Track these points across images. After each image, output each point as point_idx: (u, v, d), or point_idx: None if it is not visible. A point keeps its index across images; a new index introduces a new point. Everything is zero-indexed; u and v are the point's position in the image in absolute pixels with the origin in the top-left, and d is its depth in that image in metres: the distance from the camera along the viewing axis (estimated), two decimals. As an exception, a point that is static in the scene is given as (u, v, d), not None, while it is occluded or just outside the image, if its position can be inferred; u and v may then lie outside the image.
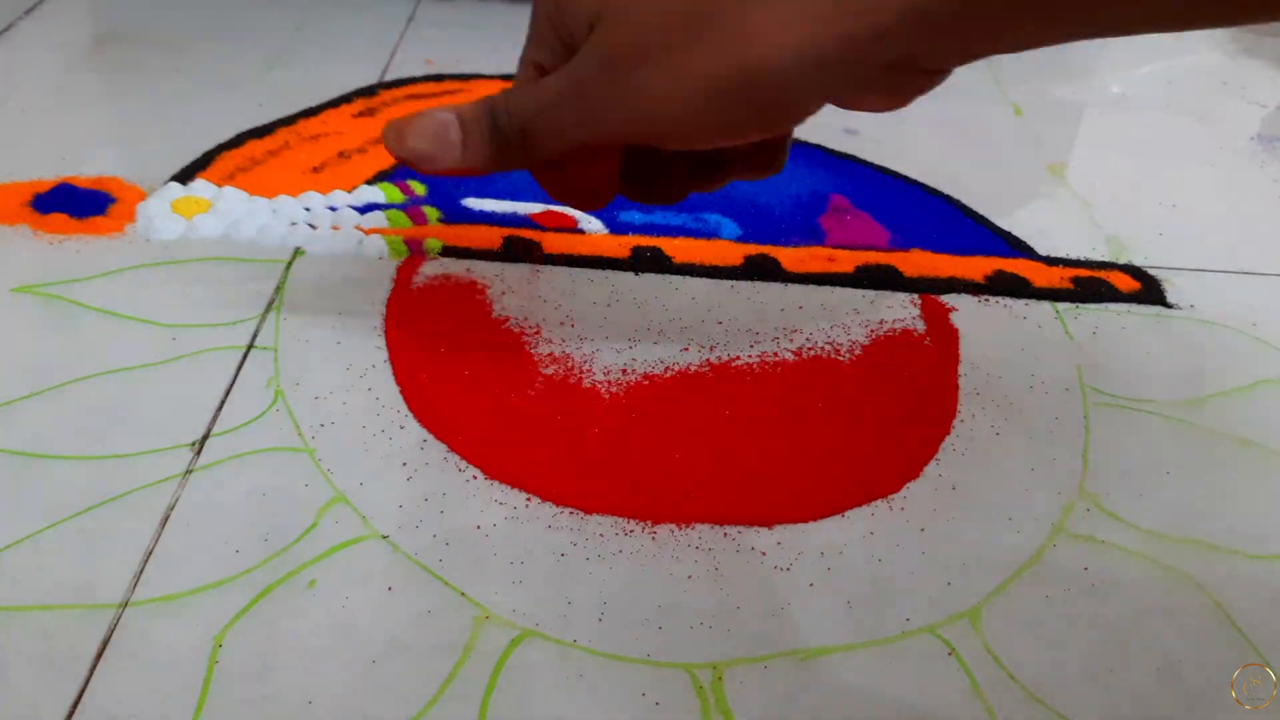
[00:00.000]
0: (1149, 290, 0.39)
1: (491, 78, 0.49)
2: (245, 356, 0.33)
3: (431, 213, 0.40)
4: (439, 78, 0.49)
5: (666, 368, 0.34)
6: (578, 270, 0.38)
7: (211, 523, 0.28)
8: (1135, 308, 0.38)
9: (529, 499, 0.29)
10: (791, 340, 0.35)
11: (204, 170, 0.42)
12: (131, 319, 0.34)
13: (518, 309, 0.36)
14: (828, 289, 0.38)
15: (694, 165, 0.29)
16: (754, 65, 0.22)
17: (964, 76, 0.52)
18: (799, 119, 0.24)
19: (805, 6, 0.22)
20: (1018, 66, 0.54)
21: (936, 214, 0.43)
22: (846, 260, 0.39)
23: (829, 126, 0.47)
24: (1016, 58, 0.57)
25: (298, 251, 0.38)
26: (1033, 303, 0.38)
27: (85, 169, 0.41)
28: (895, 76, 0.24)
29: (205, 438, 0.30)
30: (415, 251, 0.38)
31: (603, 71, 0.24)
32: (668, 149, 0.28)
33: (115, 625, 0.25)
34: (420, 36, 0.53)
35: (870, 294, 0.38)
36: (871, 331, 0.36)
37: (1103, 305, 0.38)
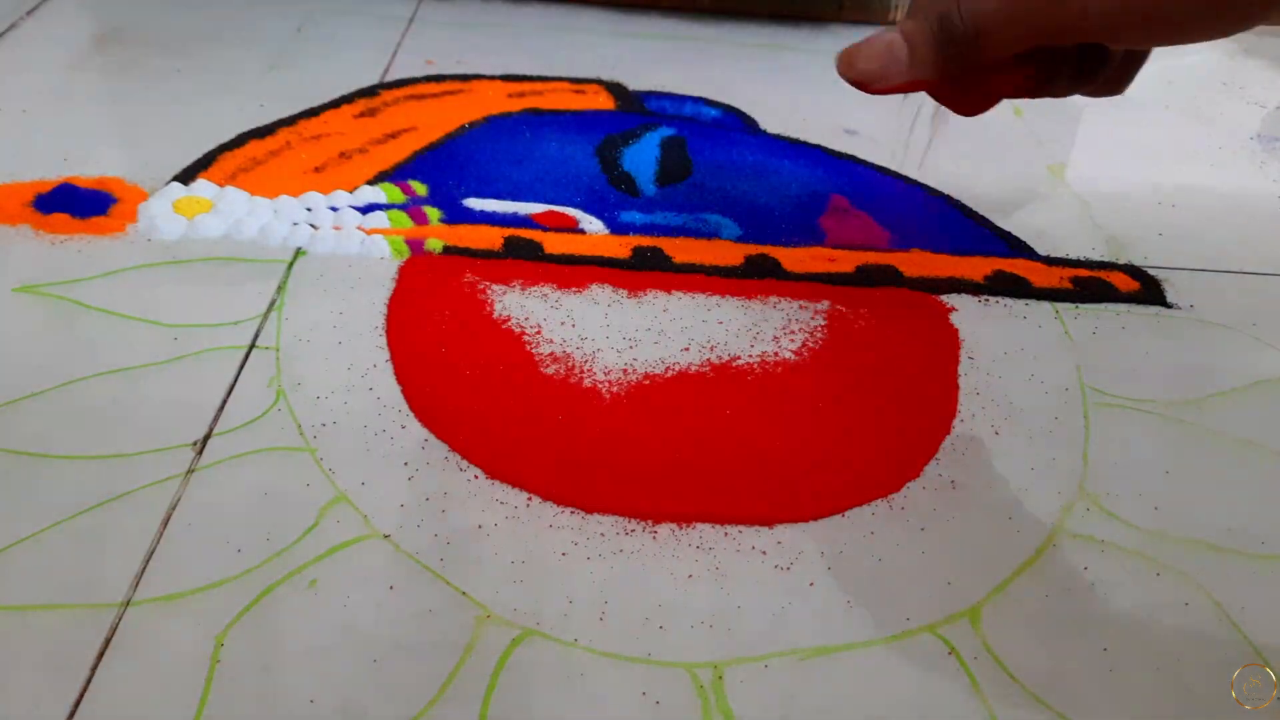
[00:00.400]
0: (1149, 290, 0.39)
1: (492, 78, 0.49)
2: (247, 356, 0.33)
3: (433, 213, 0.40)
4: (440, 78, 0.49)
5: (667, 368, 0.34)
6: (578, 270, 0.38)
7: (213, 522, 0.28)
8: (1135, 308, 0.38)
9: (529, 499, 0.29)
10: (791, 340, 0.35)
11: (205, 170, 0.42)
12: (133, 319, 0.34)
13: (518, 309, 0.36)
14: (828, 289, 0.38)
15: (1078, 70, 0.30)
16: None
17: (964, 77, 0.52)
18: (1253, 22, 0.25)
19: None
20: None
21: (936, 214, 0.43)
22: (846, 260, 0.39)
23: (829, 126, 0.47)
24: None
25: (299, 251, 0.38)
26: (1033, 303, 0.38)
27: (87, 169, 0.41)
28: None
29: (207, 437, 0.30)
30: (416, 251, 0.38)
31: None
32: (1115, 45, 0.28)
33: (117, 625, 0.25)
34: (421, 37, 0.53)
35: (872, 294, 0.38)
36: (871, 331, 0.36)
37: (1102, 305, 0.38)
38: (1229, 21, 0.26)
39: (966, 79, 0.29)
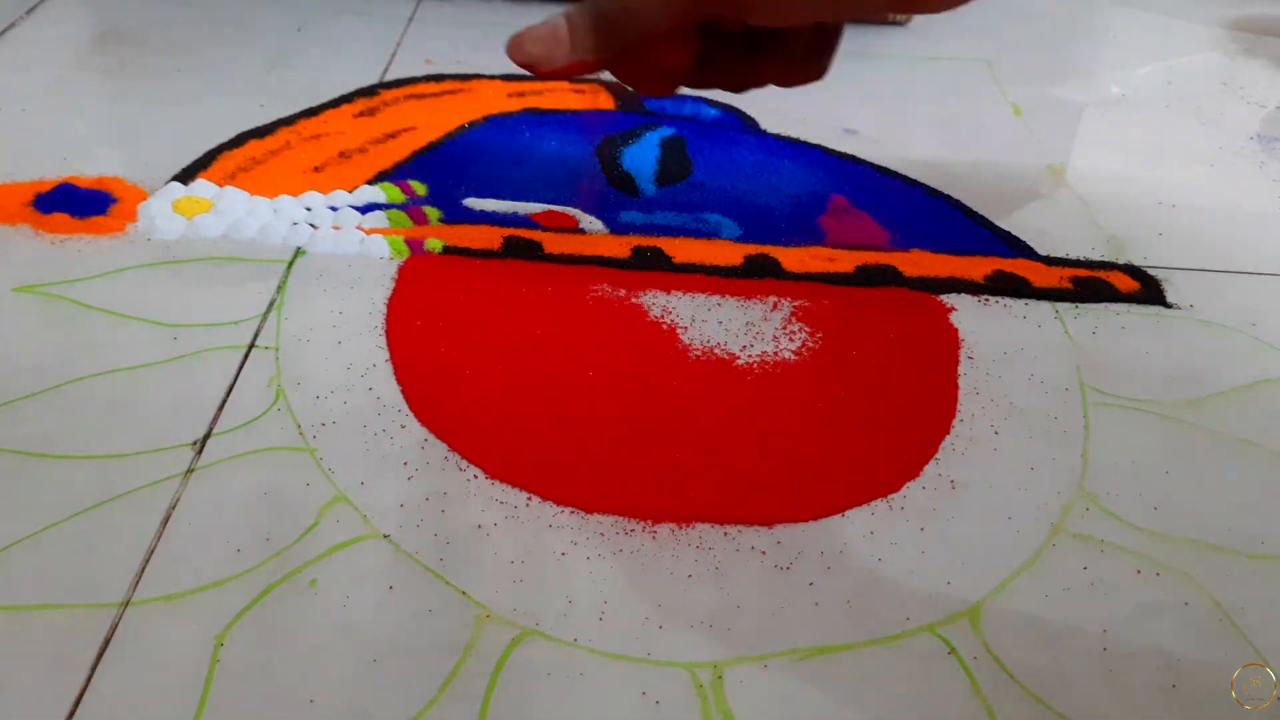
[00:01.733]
0: (1148, 290, 0.39)
1: (492, 77, 0.49)
2: (246, 356, 0.33)
3: (432, 212, 0.40)
4: (439, 78, 0.49)
5: (667, 367, 0.34)
6: (578, 270, 0.38)
7: (213, 522, 0.28)
8: (1135, 308, 0.38)
9: (529, 498, 0.29)
10: (791, 340, 0.35)
11: (205, 170, 0.42)
12: (133, 319, 0.34)
13: (519, 309, 0.36)
14: (828, 289, 0.38)
15: (748, 54, 0.30)
16: None
17: (964, 77, 0.53)
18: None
19: None
20: (1018, 67, 0.54)
21: (936, 214, 0.43)
22: (846, 260, 0.39)
23: (829, 127, 0.47)
24: (1016, 56, 0.57)
25: (299, 251, 0.38)
26: (1033, 303, 0.38)
27: (86, 169, 0.41)
28: None
29: (206, 437, 0.30)
30: (416, 251, 0.38)
31: None
32: (755, 24, 0.28)
33: (117, 624, 0.25)
34: (421, 36, 0.53)
35: (871, 294, 0.38)
36: (871, 331, 0.36)
37: (1102, 305, 0.38)
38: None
39: (631, 57, 0.29)
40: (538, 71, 0.29)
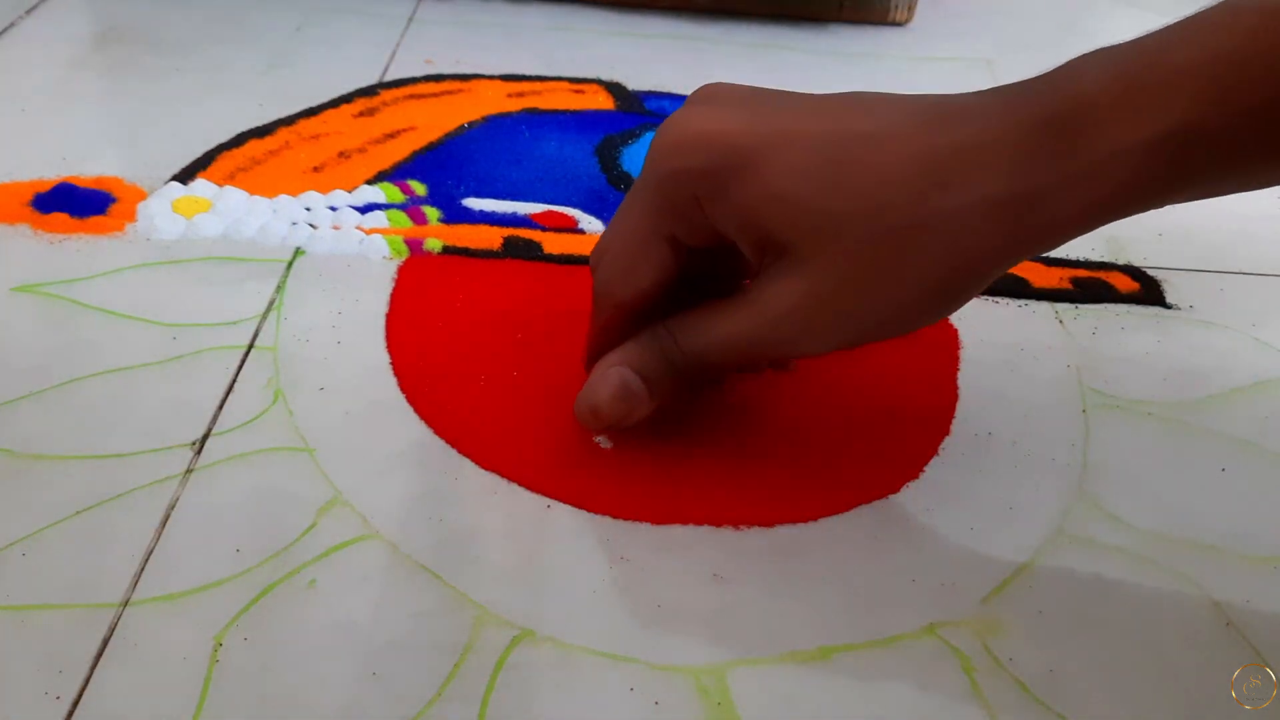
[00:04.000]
0: (1148, 290, 0.39)
1: (492, 78, 0.49)
2: (245, 356, 0.33)
3: (432, 213, 0.40)
4: (439, 78, 0.49)
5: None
6: (578, 269, 0.38)
7: (212, 522, 0.28)
8: (1134, 308, 0.38)
9: (529, 498, 0.29)
10: (791, 340, 0.35)
11: (204, 170, 0.42)
12: (132, 319, 0.34)
13: (519, 309, 0.36)
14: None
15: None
16: (963, 266, 0.25)
17: (964, 77, 0.53)
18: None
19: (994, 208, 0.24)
20: (1018, 67, 0.54)
21: (936, 214, 0.42)
22: (846, 260, 0.39)
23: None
24: (1016, 56, 0.57)
25: (298, 251, 0.38)
26: (1032, 303, 0.38)
27: (86, 168, 0.41)
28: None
29: (205, 437, 0.30)
30: (416, 251, 0.38)
31: (835, 292, 0.25)
32: (796, 358, 0.32)
33: (115, 625, 0.25)
34: (420, 36, 0.53)
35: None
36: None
37: (1102, 305, 0.38)
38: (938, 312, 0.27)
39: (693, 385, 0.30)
40: (619, 427, 0.29)
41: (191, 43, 0.51)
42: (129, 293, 0.35)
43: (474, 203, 0.41)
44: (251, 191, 0.40)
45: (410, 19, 0.55)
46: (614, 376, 0.28)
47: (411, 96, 0.48)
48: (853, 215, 0.24)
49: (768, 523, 0.29)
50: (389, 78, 0.49)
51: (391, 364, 0.33)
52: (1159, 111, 0.22)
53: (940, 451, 0.32)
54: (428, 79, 0.49)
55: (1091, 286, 0.39)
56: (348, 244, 0.38)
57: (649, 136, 0.45)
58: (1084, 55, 0.24)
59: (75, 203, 0.39)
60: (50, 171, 0.41)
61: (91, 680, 0.24)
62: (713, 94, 0.27)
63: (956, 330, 0.36)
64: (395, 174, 0.42)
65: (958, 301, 0.26)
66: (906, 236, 0.24)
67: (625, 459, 0.30)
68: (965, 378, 0.34)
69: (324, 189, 0.41)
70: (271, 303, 0.35)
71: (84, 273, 0.36)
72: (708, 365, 0.28)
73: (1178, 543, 0.29)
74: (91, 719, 0.23)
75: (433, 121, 0.46)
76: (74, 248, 0.37)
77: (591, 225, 0.40)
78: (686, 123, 0.26)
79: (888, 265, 0.24)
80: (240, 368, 0.33)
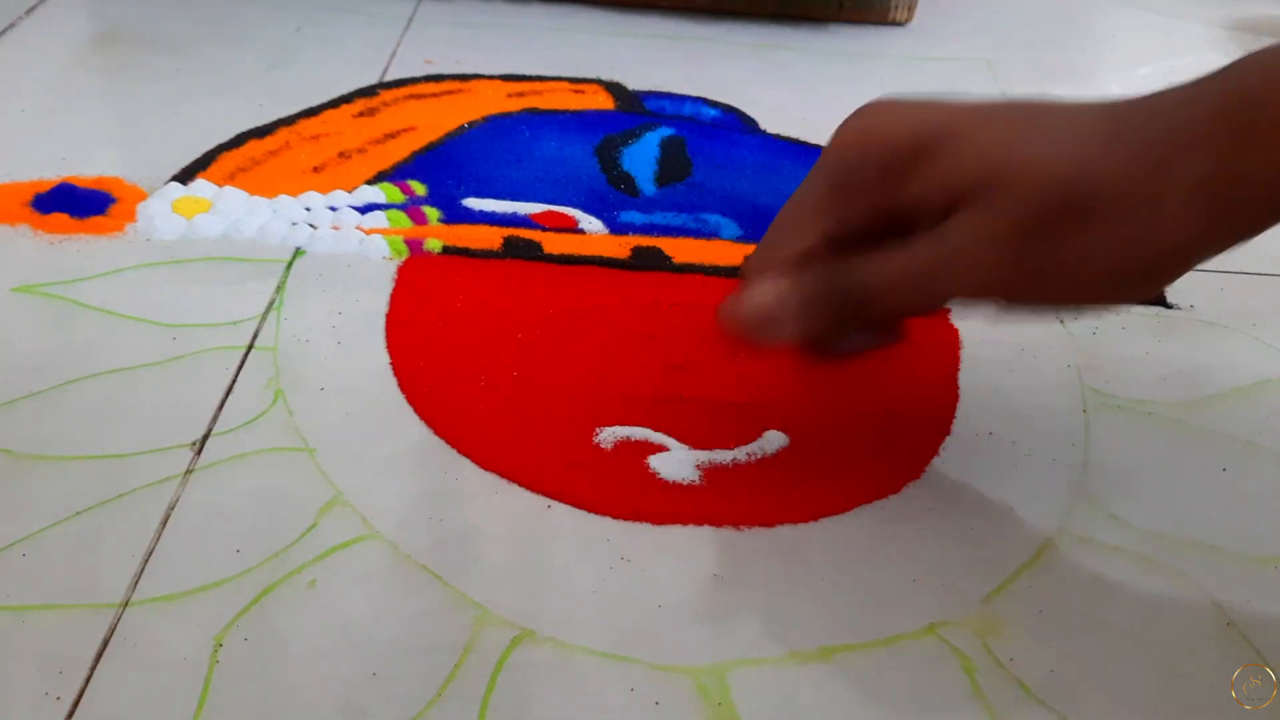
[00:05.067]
0: (1149, 290, 0.39)
1: (492, 78, 0.49)
2: (245, 356, 0.33)
3: (432, 213, 0.40)
4: (439, 78, 0.49)
5: (669, 367, 0.34)
6: (578, 270, 0.38)
7: (212, 523, 0.28)
8: (1135, 308, 0.38)
9: (530, 498, 0.29)
10: (792, 340, 0.35)
11: (204, 170, 0.42)
12: (132, 319, 0.34)
13: (519, 309, 0.36)
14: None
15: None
16: (1169, 246, 0.24)
17: (964, 77, 0.53)
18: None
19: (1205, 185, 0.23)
20: (1018, 67, 0.54)
21: (937, 214, 0.42)
22: (847, 260, 0.39)
23: (829, 127, 0.47)
24: (1016, 56, 0.57)
25: (298, 251, 0.38)
26: (1033, 303, 0.38)
27: (86, 169, 0.41)
28: None
29: (205, 438, 0.30)
30: (416, 251, 0.38)
31: (1024, 240, 0.24)
32: (1011, 308, 0.28)
33: (115, 625, 0.25)
34: (420, 36, 0.53)
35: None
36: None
37: (1103, 305, 0.38)
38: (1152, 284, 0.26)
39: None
40: (758, 343, 0.28)
41: (191, 43, 0.51)
42: (129, 293, 0.35)
43: (474, 203, 0.41)
44: (251, 192, 0.40)
45: (410, 19, 0.55)
46: (770, 287, 0.27)
47: (411, 97, 0.48)
48: (1051, 163, 0.24)
49: (768, 523, 0.29)
50: (389, 78, 0.49)
51: (391, 364, 0.33)
52: None
53: (941, 451, 0.32)
54: (428, 79, 0.49)
55: (1092, 286, 0.39)
56: (348, 244, 0.38)
57: (649, 136, 0.45)
58: (1261, 49, 0.24)
59: (75, 203, 0.39)
60: (50, 172, 0.41)
61: (91, 681, 0.24)
62: (888, 100, 0.28)
63: (957, 330, 0.36)
64: (395, 174, 0.42)
65: (1158, 282, 0.25)
66: (1109, 204, 0.24)
67: (627, 459, 0.30)
68: (966, 377, 0.34)
69: (324, 189, 0.41)
70: (271, 303, 0.35)
71: (84, 273, 0.36)
72: (873, 298, 0.27)
73: (1178, 543, 0.29)
74: (92, 719, 0.23)
75: (433, 121, 0.46)
76: (74, 248, 0.37)
77: (591, 225, 0.40)
78: (883, 113, 0.27)
79: (1078, 228, 0.24)
80: (240, 368, 0.33)
